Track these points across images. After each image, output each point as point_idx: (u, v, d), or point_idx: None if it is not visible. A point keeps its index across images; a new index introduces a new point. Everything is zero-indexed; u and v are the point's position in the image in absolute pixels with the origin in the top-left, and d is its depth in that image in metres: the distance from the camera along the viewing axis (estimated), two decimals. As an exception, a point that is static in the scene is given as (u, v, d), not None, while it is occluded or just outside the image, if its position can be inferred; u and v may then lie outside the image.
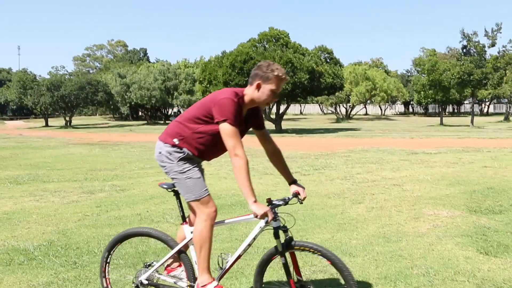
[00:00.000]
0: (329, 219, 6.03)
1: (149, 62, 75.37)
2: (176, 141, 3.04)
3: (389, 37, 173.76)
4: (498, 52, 39.55)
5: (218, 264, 3.12)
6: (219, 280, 3.10)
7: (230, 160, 2.84)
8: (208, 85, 33.66)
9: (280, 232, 2.97)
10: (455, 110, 78.85)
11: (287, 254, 2.98)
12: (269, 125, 39.17)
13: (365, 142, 20.49)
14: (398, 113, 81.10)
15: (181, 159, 3.03)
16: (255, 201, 2.84)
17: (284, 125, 38.13)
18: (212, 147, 3.06)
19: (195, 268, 3.13)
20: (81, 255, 4.73)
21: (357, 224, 5.79)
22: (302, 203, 3.23)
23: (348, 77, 55.00)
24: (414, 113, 79.38)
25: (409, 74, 78.85)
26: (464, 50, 39.31)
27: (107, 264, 3.44)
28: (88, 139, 26.80)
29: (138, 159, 14.41)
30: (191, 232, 3.11)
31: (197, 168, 3.07)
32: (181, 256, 3.18)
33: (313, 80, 31.83)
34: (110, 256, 3.41)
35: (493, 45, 37.50)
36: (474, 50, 38.20)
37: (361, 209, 6.65)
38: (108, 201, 7.64)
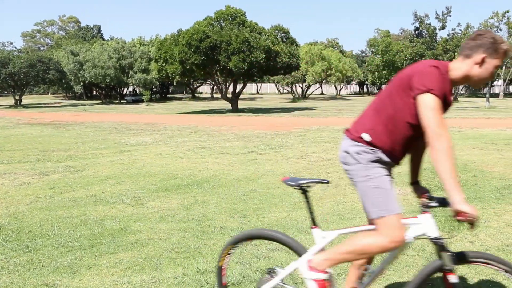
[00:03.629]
0: (285, 198, 6.12)
1: (103, 39, 73.34)
2: (366, 136, 2.43)
3: (345, 17, 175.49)
4: (448, 35, 40.77)
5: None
6: None
7: (429, 142, 2.23)
8: (164, 64, 33.15)
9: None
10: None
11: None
12: (225, 104, 39.10)
13: (320, 122, 20.78)
14: (353, 93, 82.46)
15: (371, 161, 2.42)
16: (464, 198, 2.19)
17: (241, 104, 38.12)
18: (408, 139, 2.45)
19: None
20: (34, 239, 4.62)
21: (312, 202, 5.90)
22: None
23: (304, 57, 55.34)
24: (368, 93, 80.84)
25: (363, 54, 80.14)
26: (416, 32, 40.28)
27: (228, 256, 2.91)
28: (40, 119, 25.98)
29: (92, 140, 14.11)
30: (323, 237, 2.59)
31: (388, 177, 2.45)
32: None
33: (270, 59, 31.86)
34: (235, 248, 2.89)
35: (443, 27, 38.61)
36: (426, 32, 39.19)
37: (317, 187, 6.77)
38: (61, 182, 7.47)
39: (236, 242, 2.83)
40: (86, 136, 15.39)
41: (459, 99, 53.87)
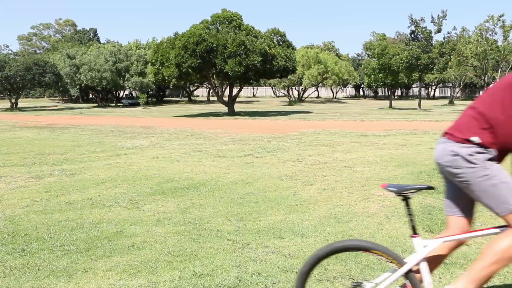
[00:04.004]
0: (282, 201, 6.12)
1: (100, 42, 73.25)
2: (476, 139, 2.35)
3: (341, 21, 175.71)
4: (444, 38, 40.92)
5: None
6: None
7: None
8: (160, 67, 33.13)
9: None
10: (404, 94, 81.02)
11: None
12: (221, 107, 39.07)
13: (317, 125, 20.79)
14: (349, 96, 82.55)
15: (487, 160, 2.34)
16: None
17: (237, 107, 38.12)
18: None
19: None
20: (30, 242, 4.61)
21: (309, 205, 5.91)
22: None
23: (301, 60, 55.38)
24: (364, 96, 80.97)
25: (360, 58, 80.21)
26: (412, 35, 40.39)
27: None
28: (36, 122, 25.90)
29: (89, 143, 14.08)
30: (425, 246, 2.48)
31: (504, 170, 2.36)
32: (409, 275, 2.45)
33: (266, 62, 31.86)
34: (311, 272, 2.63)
35: (439, 31, 38.70)
36: (422, 36, 39.31)
37: (313, 190, 6.78)
38: (58, 186, 7.45)
39: (330, 253, 2.59)
40: (82, 139, 15.36)
41: (455, 102, 54.05)
